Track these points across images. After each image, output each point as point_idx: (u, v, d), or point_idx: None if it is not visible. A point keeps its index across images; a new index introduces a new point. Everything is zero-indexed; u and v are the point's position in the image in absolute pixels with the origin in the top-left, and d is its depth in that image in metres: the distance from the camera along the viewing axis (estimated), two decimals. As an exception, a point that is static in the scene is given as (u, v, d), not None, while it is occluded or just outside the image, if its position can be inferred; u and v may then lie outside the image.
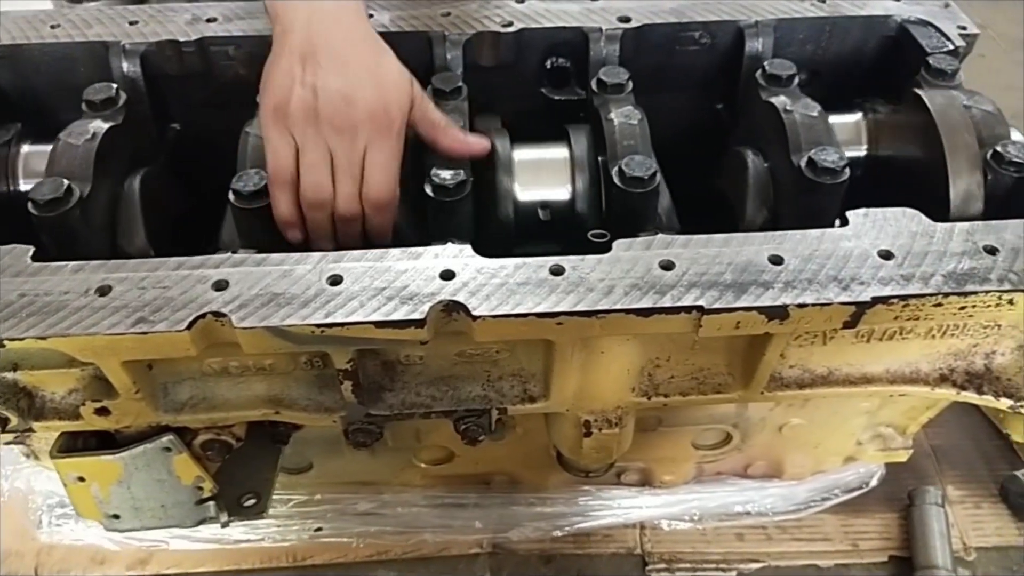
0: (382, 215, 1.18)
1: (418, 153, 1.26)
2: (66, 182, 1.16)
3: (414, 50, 1.41)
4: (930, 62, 1.38)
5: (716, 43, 1.49)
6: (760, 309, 1.01)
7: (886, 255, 1.06)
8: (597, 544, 1.83)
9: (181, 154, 1.51)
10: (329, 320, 0.99)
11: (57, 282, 1.04)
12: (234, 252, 1.10)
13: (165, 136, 1.51)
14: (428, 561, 1.79)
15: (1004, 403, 1.21)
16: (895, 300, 1.02)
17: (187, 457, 1.20)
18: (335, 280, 1.04)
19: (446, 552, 1.80)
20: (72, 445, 1.20)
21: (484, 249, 1.08)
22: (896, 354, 1.22)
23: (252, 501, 1.27)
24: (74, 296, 1.02)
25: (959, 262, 1.06)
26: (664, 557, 1.80)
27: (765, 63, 1.39)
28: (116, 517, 1.26)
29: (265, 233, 1.17)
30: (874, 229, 1.10)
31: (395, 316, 0.99)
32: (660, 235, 1.10)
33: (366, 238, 1.20)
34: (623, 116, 1.30)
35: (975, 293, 1.03)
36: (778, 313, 1.01)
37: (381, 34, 1.25)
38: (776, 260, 1.05)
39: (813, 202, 1.22)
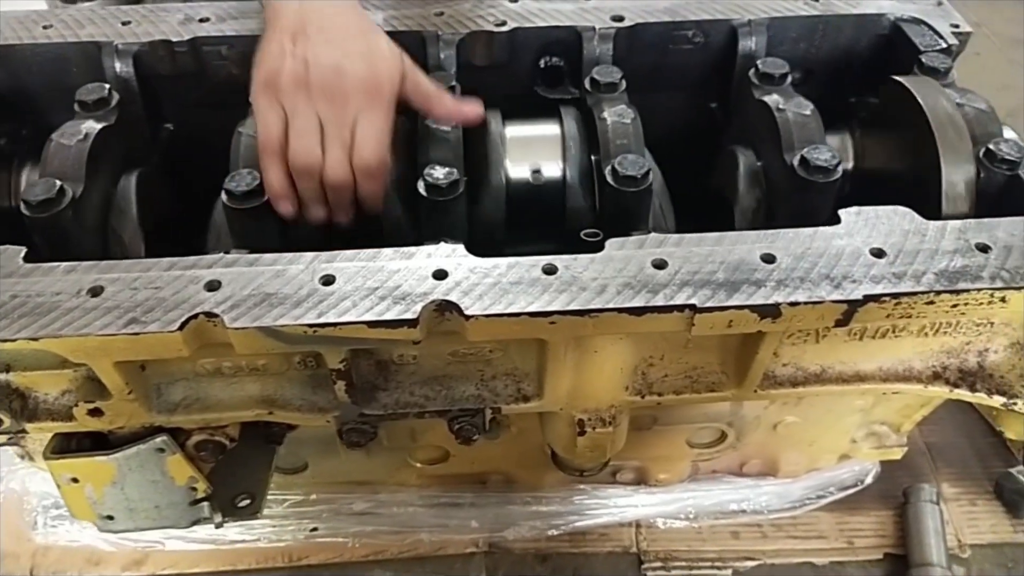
0: (373, 182, 1.17)
1: (414, 151, 1.27)
2: (58, 183, 1.16)
3: (408, 49, 1.39)
4: (923, 60, 1.38)
5: (709, 42, 1.50)
6: (752, 307, 1.01)
7: (878, 253, 1.06)
8: (593, 543, 1.83)
9: (175, 154, 1.51)
10: (322, 320, 0.99)
11: (49, 283, 1.04)
12: (226, 252, 1.09)
13: (158, 136, 1.51)
14: (424, 560, 1.79)
15: (997, 400, 1.21)
16: (887, 298, 1.02)
17: (181, 458, 1.20)
18: (328, 280, 1.03)
19: (442, 551, 1.80)
20: (66, 446, 1.20)
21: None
22: (889, 352, 1.22)
23: (246, 502, 1.27)
24: (66, 297, 1.02)
25: (951, 260, 1.06)
26: (660, 555, 1.80)
27: (758, 62, 1.39)
28: (110, 518, 1.26)
29: (258, 233, 1.17)
30: (866, 227, 1.10)
31: (388, 316, 0.99)
32: (653, 234, 1.10)
33: (357, 208, 1.21)
34: (616, 115, 1.30)
35: (967, 291, 1.03)
36: (770, 311, 1.01)
37: (375, 33, 1.25)
38: (768, 258, 1.06)
39: (806, 200, 1.23)
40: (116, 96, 1.36)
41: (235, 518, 1.27)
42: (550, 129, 1.39)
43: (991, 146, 1.20)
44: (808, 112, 1.29)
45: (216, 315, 0.99)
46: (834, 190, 1.21)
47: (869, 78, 1.46)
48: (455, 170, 1.19)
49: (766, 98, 1.34)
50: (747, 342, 1.16)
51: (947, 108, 1.25)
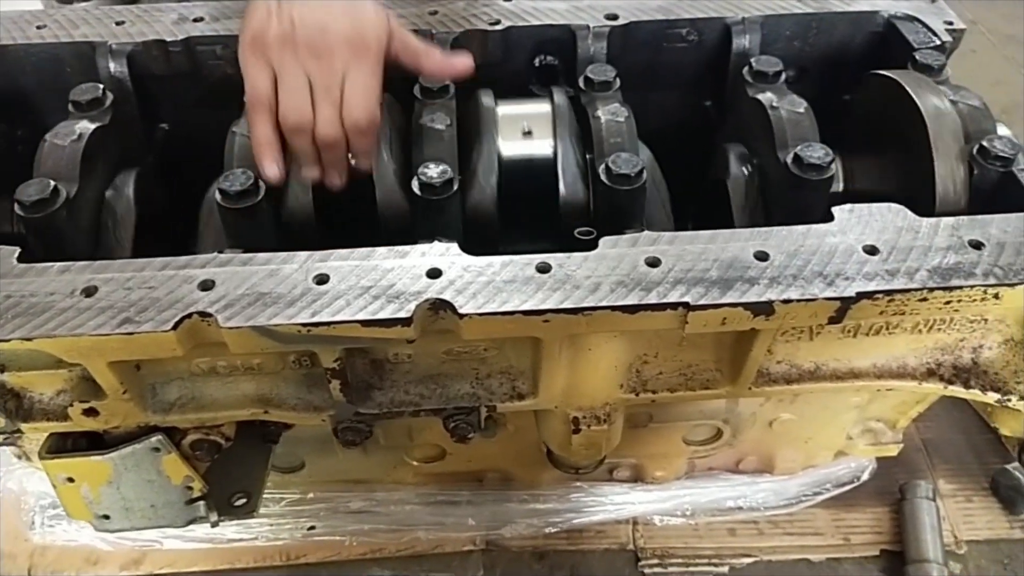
0: (364, 138, 1.18)
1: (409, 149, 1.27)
2: (52, 183, 1.16)
3: (402, 48, 1.42)
4: (917, 57, 1.38)
5: (703, 40, 1.50)
6: (746, 305, 1.01)
7: (871, 250, 1.06)
8: (590, 540, 1.83)
9: (170, 154, 1.51)
10: (315, 319, 0.99)
11: (43, 283, 1.04)
12: (220, 252, 1.10)
13: (153, 136, 1.51)
14: (422, 559, 1.80)
15: (991, 397, 1.22)
16: (880, 295, 1.02)
17: (176, 457, 1.20)
18: (321, 279, 1.04)
19: (439, 549, 1.80)
20: (61, 446, 1.20)
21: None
22: (883, 349, 1.22)
23: (242, 500, 1.27)
24: (60, 297, 1.02)
25: (944, 257, 1.06)
26: (656, 552, 1.81)
27: (752, 60, 1.40)
28: (106, 517, 1.26)
29: (252, 233, 1.17)
30: (859, 224, 1.10)
31: (381, 315, 0.99)
32: (646, 232, 1.10)
33: (350, 167, 1.22)
34: (610, 113, 1.31)
35: (960, 288, 1.03)
36: (763, 309, 1.01)
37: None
38: (761, 256, 1.06)
39: (799, 198, 1.23)
40: (110, 96, 1.36)
41: (231, 517, 1.28)
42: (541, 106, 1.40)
43: (984, 143, 1.20)
44: (802, 110, 1.29)
45: (210, 315, 0.99)
46: (827, 188, 1.21)
47: (863, 76, 1.46)
48: (449, 168, 1.19)
49: (760, 96, 1.34)
50: (741, 339, 1.16)
51: (937, 101, 1.25)
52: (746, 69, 1.39)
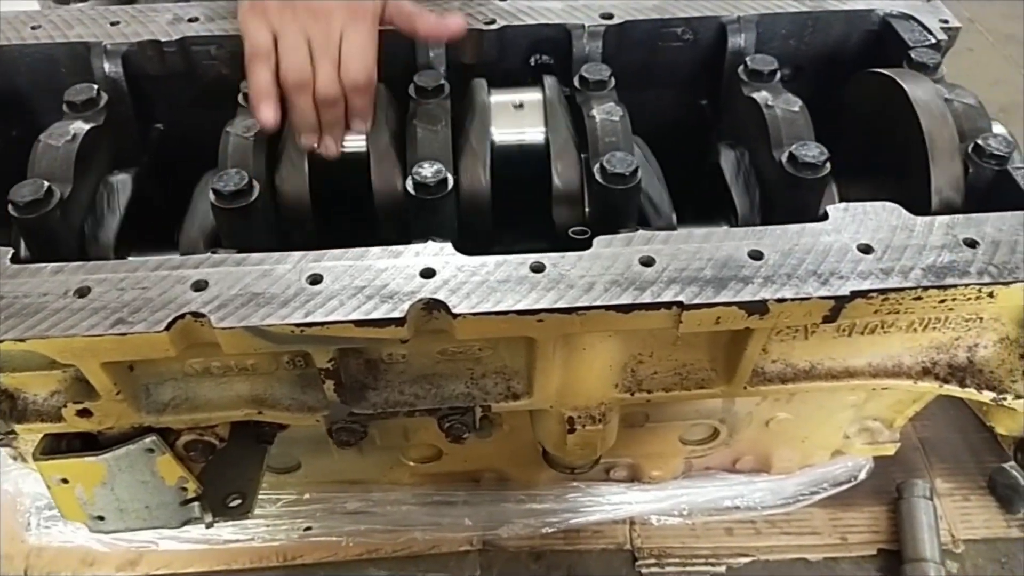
0: (362, 97, 1.22)
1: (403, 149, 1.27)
2: (46, 183, 1.16)
3: (397, 48, 1.41)
4: (912, 56, 1.38)
5: (699, 39, 1.49)
6: (740, 304, 1.01)
7: (866, 249, 1.06)
8: (587, 540, 1.83)
9: (165, 154, 1.50)
10: (309, 320, 0.99)
11: (36, 284, 1.04)
12: (214, 252, 1.09)
13: (148, 136, 1.51)
14: (418, 559, 1.80)
15: (987, 396, 1.21)
16: (874, 294, 1.02)
17: (170, 458, 1.19)
18: (315, 279, 1.03)
19: (436, 550, 1.80)
20: (55, 447, 1.20)
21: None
22: (878, 348, 1.22)
23: (237, 501, 1.27)
24: (53, 298, 1.02)
25: (939, 255, 1.06)
26: (653, 552, 1.80)
27: (747, 58, 1.39)
28: (101, 519, 1.26)
29: (246, 233, 1.17)
30: (854, 223, 1.10)
31: (375, 315, 0.99)
32: (640, 231, 1.10)
33: (348, 127, 1.26)
34: (605, 112, 1.30)
35: (954, 286, 1.03)
36: (757, 308, 1.01)
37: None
38: (756, 255, 1.06)
39: (795, 197, 1.23)
40: (105, 97, 1.36)
41: (226, 518, 1.27)
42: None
43: (980, 141, 1.20)
44: (796, 109, 1.29)
45: (203, 315, 0.99)
46: (823, 187, 1.21)
47: (856, 73, 1.46)
48: (443, 168, 1.19)
49: (755, 95, 1.34)
50: (736, 339, 1.15)
51: (933, 97, 1.25)
52: (741, 68, 1.39)
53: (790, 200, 1.24)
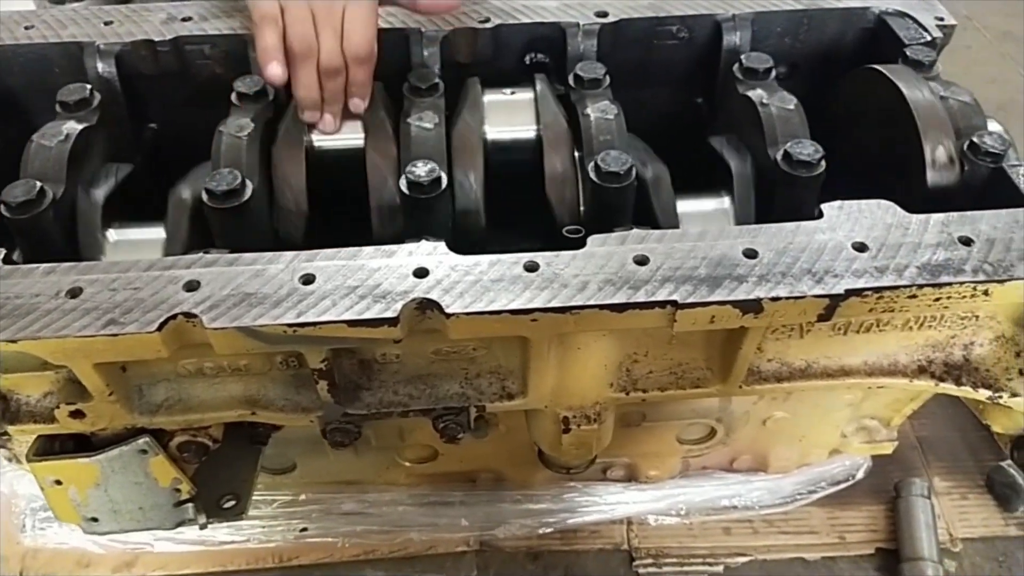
0: (363, 68, 1.30)
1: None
2: (38, 184, 1.16)
3: (391, 47, 1.41)
4: (907, 53, 1.38)
5: (694, 37, 1.49)
6: (734, 303, 1.00)
7: (860, 247, 1.06)
8: (584, 540, 1.82)
9: (159, 154, 1.50)
10: (301, 320, 0.99)
11: (28, 284, 1.03)
12: (206, 252, 1.09)
13: (142, 136, 1.51)
14: (415, 560, 1.79)
15: (983, 394, 1.21)
16: (869, 292, 1.01)
17: (164, 459, 1.19)
18: (307, 279, 1.03)
19: (433, 550, 1.80)
20: (49, 448, 1.19)
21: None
22: (874, 346, 1.21)
23: (231, 503, 1.26)
24: (45, 298, 1.01)
25: (934, 253, 1.05)
26: (651, 552, 1.80)
27: (742, 56, 1.39)
28: (94, 520, 1.26)
29: (238, 233, 1.17)
30: (849, 221, 1.09)
31: (367, 315, 0.99)
32: (635, 230, 1.10)
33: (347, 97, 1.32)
34: (599, 111, 1.30)
35: (949, 284, 1.03)
36: (752, 307, 1.01)
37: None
38: (750, 254, 1.05)
39: (790, 195, 1.22)
40: (98, 96, 1.35)
41: (220, 519, 1.27)
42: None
43: (975, 139, 1.20)
44: (791, 107, 1.29)
45: (195, 315, 0.98)
46: (817, 185, 1.21)
47: (849, 71, 1.45)
48: (437, 167, 1.19)
49: (750, 93, 1.34)
50: (731, 338, 1.15)
51: (927, 94, 1.25)
52: (736, 66, 1.39)
53: (785, 198, 1.23)
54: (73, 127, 1.27)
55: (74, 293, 1.02)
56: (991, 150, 1.19)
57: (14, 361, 1.08)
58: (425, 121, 1.29)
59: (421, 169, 1.18)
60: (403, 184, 1.18)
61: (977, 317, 1.18)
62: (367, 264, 1.05)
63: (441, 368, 1.20)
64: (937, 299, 1.04)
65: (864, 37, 1.50)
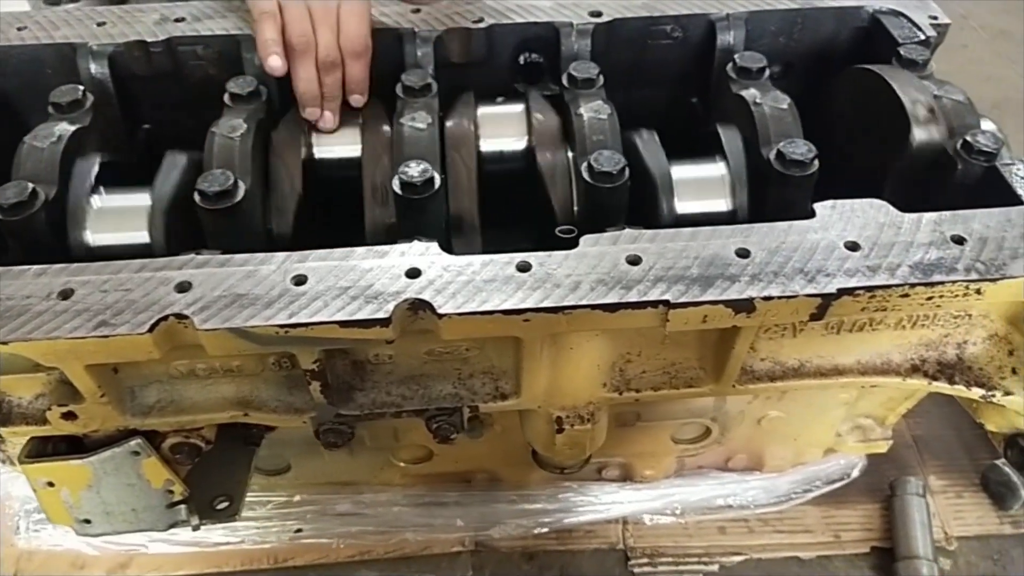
0: (359, 63, 1.34)
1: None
2: (31, 185, 1.15)
3: (385, 47, 1.41)
4: (901, 52, 1.38)
5: (688, 37, 1.49)
6: (726, 303, 1.01)
7: (853, 246, 1.06)
8: (579, 540, 1.82)
9: (153, 155, 1.49)
10: (293, 320, 0.99)
11: (20, 286, 1.03)
12: (197, 253, 1.09)
13: (135, 137, 1.50)
14: (410, 560, 1.79)
15: (976, 393, 1.21)
16: (861, 291, 1.02)
17: (156, 460, 1.19)
18: (299, 280, 1.03)
19: (428, 551, 1.79)
20: (42, 450, 1.19)
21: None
22: (867, 345, 1.21)
23: (224, 504, 1.26)
24: (36, 300, 1.01)
25: (926, 252, 1.05)
26: (646, 551, 1.80)
27: (736, 56, 1.39)
28: (87, 522, 1.25)
29: (230, 234, 1.16)
30: (841, 221, 1.09)
31: (359, 315, 0.99)
32: (627, 230, 1.10)
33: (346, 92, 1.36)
34: (592, 111, 1.30)
35: (942, 283, 1.03)
36: (744, 306, 1.01)
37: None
38: (743, 253, 1.05)
39: (782, 194, 1.22)
40: (90, 98, 1.35)
41: (213, 520, 1.27)
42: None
43: (968, 137, 1.20)
44: (785, 106, 1.29)
45: (186, 317, 0.98)
46: (810, 184, 1.20)
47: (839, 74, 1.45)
48: (430, 167, 1.19)
49: (743, 92, 1.33)
50: (724, 337, 1.15)
51: (920, 92, 1.25)
52: (729, 65, 1.39)
53: (778, 197, 1.23)
54: (66, 128, 1.27)
55: (65, 295, 1.02)
56: (984, 149, 1.19)
57: (6, 363, 1.08)
58: (418, 121, 1.29)
59: (414, 169, 1.18)
60: (396, 184, 1.18)
61: (970, 316, 1.18)
62: (359, 265, 1.05)
63: (434, 369, 1.20)
64: (930, 298, 1.04)
65: (858, 36, 1.50)
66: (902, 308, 1.06)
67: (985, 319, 1.18)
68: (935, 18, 1.47)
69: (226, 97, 1.34)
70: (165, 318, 0.98)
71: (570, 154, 1.30)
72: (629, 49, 1.50)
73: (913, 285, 1.02)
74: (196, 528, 1.26)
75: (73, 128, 1.28)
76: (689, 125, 1.57)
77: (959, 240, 1.07)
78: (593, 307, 1.00)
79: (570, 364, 1.18)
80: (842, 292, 1.01)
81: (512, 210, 1.31)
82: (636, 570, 1.77)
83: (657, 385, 1.22)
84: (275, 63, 1.30)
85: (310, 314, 0.99)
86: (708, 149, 1.34)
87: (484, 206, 1.28)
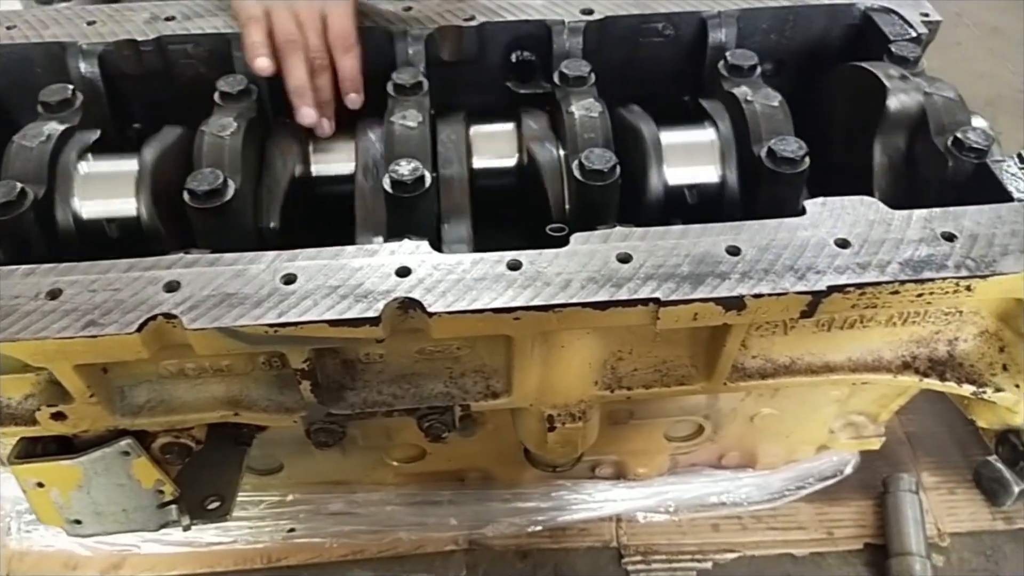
0: (348, 57, 1.34)
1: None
2: (19, 185, 1.15)
3: (376, 46, 1.41)
4: (892, 49, 1.38)
5: (680, 34, 1.49)
6: (717, 300, 1.00)
7: (843, 244, 1.06)
8: (573, 538, 1.82)
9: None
10: (282, 320, 0.98)
11: (7, 286, 1.02)
12: (187, 252, 1.08)
13: (126, 136, 1.49)
14: (404, 559, 1.79)
15: (967, 389, 1.21)
16: (851, 288, 1.01)
17: (146, 461, 1.18)
18: (289, 279, 1.03)
19: (422, 550, 1.79)
20: (31, 451, 1.19)
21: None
22: (858, 342, 1.21)
23: (216, 504, 1.26)
24: (24, 300, 1.01)
25: (916, 249, 1.05)
26: (640, 549, 1.80)
27: (727, 53, 1.39)
28: (78, 522, 1.25)
29: (220, 233, 1.16)
30: (831, 218, 1.09)
31: (349, 314, 0.98)
32: (618, 228, 1.10)
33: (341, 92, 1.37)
34: (584, 109, 1.30)
35: (932, 280, 1.03)
36: (734, 304, 1.01)
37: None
38: (733, 251, 1.05)
39: (773, 191, 1.22)
40: (80, 97, 1.34)
41: (204, 520, 1.26)
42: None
43: (959, 134, 1.20)
44: (776, 104, 1.29)
45: (175, 316, 0.98)
46: (801, 181, 1.21)
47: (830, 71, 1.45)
48: (420, 165, 1.18)
49: (735, 90, 1.33)
50: (715, 335, 1.15)
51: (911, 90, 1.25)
52: (721, 63, 1.39)
53: (769, 194, 1.23)
54: (55, 128, 1.26)
55: (54, 295, 1.01)
56: (975, 146, 1.19)
57: (-5, 363, 1.07)
58: (409, 120, 1.28)
59: (404, 168, 1.17)
60: (386, 183, 1.18)
61: (961, 313, 1.18)
62: (349, 263, 1.04)
63: (425, 367, 1.19)
64: (920, 295, 1.04)
65: (850, 33, 1.50)
66: (892, 305, 1.06)
67: (976, 316, 1.19)
68: (927, 15, 1.47)
69: (216, 96, 1.33)
70: (154, 318, 0.98)
71: (561, 152, 1.30)
72: (621, 47, 1.50)
73: (903, 282, 1.02)
74: (187, 528, 1.26)
75: (63, 127, 1.27)
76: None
77: (949, 237, 1.07)
78: (583, 305, 1.00)
79: (561, 362, 1.17)
80: (832, 289, 1.01)
81: (503, 209, 1.31)
82: (630, 568, 1.78)
83: (649, 383, 1.22)
84: (263, 64, 1.30)
85: (299, 313, 0.99)
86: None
87: (475, 205, 1.28)
